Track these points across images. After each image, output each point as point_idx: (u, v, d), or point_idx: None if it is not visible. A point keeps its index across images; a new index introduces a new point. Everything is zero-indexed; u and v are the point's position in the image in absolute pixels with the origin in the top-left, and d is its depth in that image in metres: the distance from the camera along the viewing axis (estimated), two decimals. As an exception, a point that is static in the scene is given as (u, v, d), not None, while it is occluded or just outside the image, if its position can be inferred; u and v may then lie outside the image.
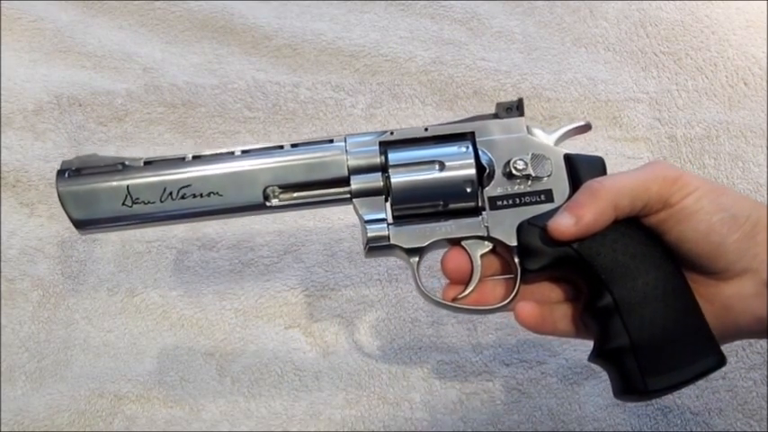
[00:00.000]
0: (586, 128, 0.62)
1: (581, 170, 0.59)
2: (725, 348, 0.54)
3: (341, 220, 0.86)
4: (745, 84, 0.92)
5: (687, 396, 0.78)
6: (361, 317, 0.83)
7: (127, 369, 0.81)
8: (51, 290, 0.85)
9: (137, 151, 0.90)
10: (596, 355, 0.57)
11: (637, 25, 0.96)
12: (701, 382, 0.77)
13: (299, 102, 0.94)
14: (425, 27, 0.98)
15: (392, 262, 0.84)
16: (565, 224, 0.55)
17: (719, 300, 0.55)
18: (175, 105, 0.94)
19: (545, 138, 0.60)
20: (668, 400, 0.78)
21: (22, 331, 0.83)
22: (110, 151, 0.89)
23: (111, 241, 0.87)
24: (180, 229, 0.87)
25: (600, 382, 0.78)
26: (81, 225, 0.60)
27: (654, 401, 0.77)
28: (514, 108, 0.61)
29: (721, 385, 0.78)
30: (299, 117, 0.93)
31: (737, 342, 0.79)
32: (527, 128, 0.61)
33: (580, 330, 0.59)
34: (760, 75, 0.92)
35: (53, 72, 0.96)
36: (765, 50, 0.93)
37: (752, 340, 0.79)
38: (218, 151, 0.61)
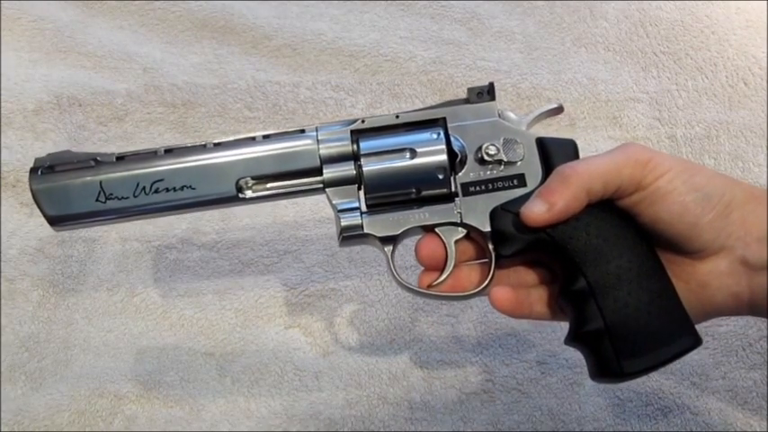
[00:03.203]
0: (559, 110, 0.62)
1: (553, 154, 0.59)
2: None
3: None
4: (745, 84, 0.92)
5: (687, 396, 0.78)
6: (361, 317, 0.83)
7: (127, 369, 0.81)
8: (51, 290, 0.85)
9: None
10: (572, 338, 0.57)
11: (637, 25, 0.96)
12: (701, 383, 0.78)
13: (299, 102, 0.94)
14: (425, 27, 0.98)
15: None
16: (537, 211, 0.55)
17: (695, 279, 0.55)
18: (175, 105, 0.94)
19: (517, 122, 0.60)
20: (668, 400, 0.78)
21: (22, 331, 0.83)
22: (110, 151, 0.88)
23: (111, 241, 0.87)
24: (180, 229, 0.87)
25: (600, 382, 0.78)
26: (55, 222, 0.60)
27: (654, 401, 0.77)
28: (485, 92, 0.61)
29: (721, 385, 0.78)
30: (299, 117, 0.93)
31: (737, 342, 0.79)
32: (499, 112, 0.60)
33: (556, 313, 0.60)
34: (760, 75, 0.92)
35: (53, 72, 0.96)
36: (765, 50, 0.93)
37: (752, 340, 0.79)
38: (191, 144, 0.61)
